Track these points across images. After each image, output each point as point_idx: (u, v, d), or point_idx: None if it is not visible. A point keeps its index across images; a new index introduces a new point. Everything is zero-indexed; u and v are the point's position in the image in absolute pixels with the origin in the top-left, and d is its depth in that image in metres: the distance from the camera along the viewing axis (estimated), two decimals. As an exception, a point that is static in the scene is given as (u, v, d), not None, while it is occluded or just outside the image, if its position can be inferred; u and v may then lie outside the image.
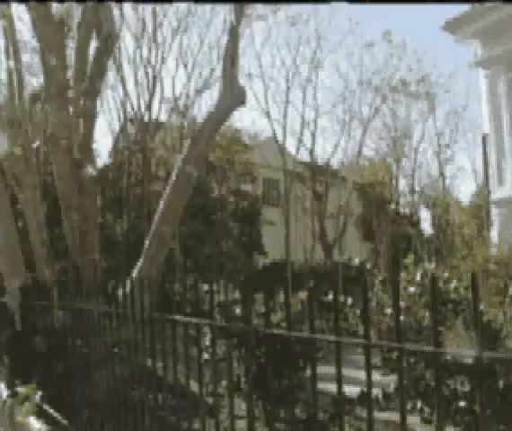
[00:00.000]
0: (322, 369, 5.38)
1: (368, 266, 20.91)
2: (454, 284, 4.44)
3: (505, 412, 4.11)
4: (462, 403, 4.16)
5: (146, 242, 8.32)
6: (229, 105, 8.59)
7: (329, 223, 28.36)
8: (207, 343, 6.63)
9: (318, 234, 27.80)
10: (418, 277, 4.50)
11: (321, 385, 5.46)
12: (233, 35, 8.85)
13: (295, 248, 25.74)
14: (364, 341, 2.70)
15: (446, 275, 4.54)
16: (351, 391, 4.62)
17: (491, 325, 4.29)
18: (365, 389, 2.98)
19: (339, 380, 2.98)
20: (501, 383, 3.97)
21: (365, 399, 4.51)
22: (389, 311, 4.61)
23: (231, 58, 8.61)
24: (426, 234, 33.01)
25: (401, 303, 4.53)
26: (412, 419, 4.47)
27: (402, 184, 32.96)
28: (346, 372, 4.91)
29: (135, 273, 8.00)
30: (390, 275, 5.09)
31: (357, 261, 24.10)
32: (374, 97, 28.40)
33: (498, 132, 12.90)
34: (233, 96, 8.45)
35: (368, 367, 2.74)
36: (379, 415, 4.62)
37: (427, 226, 34.44)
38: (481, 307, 4.40)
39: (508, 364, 3.88)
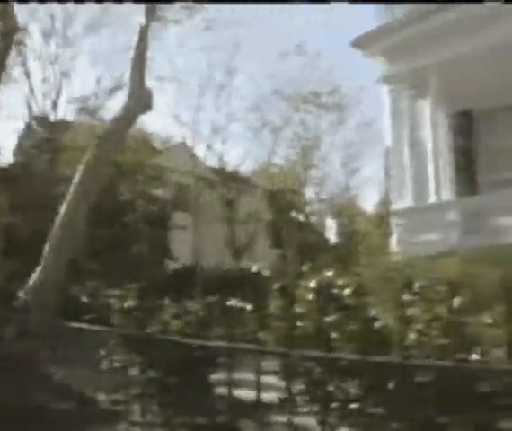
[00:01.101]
0: (228, 375, 5.41)
1: (268, 272, 21.29)
2: (348, 290, 4.64)
3: (396, 411, 4.32)
4: (355, 405, 4.34)
5: (47, 245, 8.06)
6: (136, 107, 8.50)
7: (240, 229, 28.58)
8: (109, 350, 6.51)
9: (228, 240, 27.96)
10: (313, 284, 4.67)
11: (223, 390, 5.49)
12: (143, 37, 8.77)
13: (206, 253, 25.73)
14: (256, 348, 2.77)
15: (341, 282, 4.71)
16: (251, 395, 4.71)
17: (385, 330, 4.51)
18: (262, 393, 3.05)
19: (231, 384, 3.05)
20: (391, 385, 4.19)
21: (260, 403, 4.61)
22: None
23: (140, 60, 8.53)
24: (332, 242, 33.95)
25: (298, 310, 4.70)
26: (310, 421, 4.61)
27: (311, 193, 33.76)
28: (247, 376, 4.99)
29: (34, 278, 7.72)
30: (292, 281, 5.24)
31: (255, 268, 24.35)
32: (286, 106, 28.97)
33: (400, 146, 13.57)
34: (140, 98, 8.38)
35: (259, 372, 2.81)
36: (277, 418, 4.72)
37: (333, 234, 35.44)
38: (374, 313, 4.61)
39: (397, 366, 4.10)
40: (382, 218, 23.01)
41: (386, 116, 14.18)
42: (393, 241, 13.23)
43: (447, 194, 13.39)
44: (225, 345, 4.62)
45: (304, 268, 5.19)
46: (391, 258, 12.00)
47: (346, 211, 32.27)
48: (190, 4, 20.38)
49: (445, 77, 12.82)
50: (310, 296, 4.53)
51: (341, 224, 33.00)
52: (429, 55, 12.78)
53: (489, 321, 4.54)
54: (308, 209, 33.39)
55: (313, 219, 34.07)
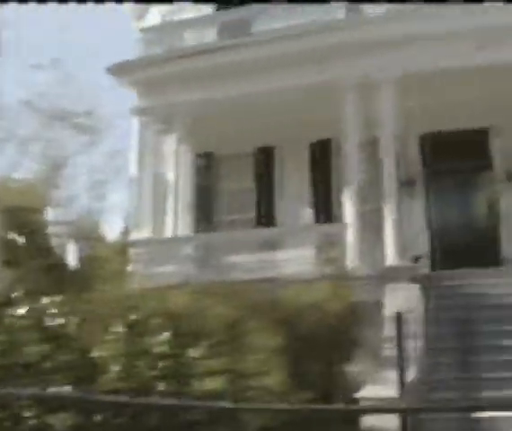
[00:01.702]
0: None
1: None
2: (63, 319, 4.54)
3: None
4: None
5: None
6: None
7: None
8: None
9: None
10: (23, 312, 4.46)
11: None
12: None
13: None
14: None
15: (57, 310, 4.60)
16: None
17: (96, 362, 4.49)
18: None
19: None
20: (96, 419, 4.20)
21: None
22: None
23: None
24: (71, 267, 32.68)
25: (2, 338, 4.41)
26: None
27: (54, 213, 32.18)
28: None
29: None
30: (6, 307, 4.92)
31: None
32: (36, 120, 27.46)
33: (143, 177, 13.90)
34: None
35: None
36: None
37: (73, 259, 34.13)
38: (87, 344, 4.58)
39: (99, 402, 4.09)
40: (123, 246, 22.93)
41: (132, 146, 14.44)
42: (131, 270, 13.33)
43: (186, 229, 13.97)
44: None
45: (21, 293, 4.94)
46: (124, 287, 12.08)
47: (88, 236, 31.48)
48: None
49: (191, 119, 13.50)
50: (19, 324, 4.31)
51: (82, 249, 32.08)
52: (179, 95, 13.33)
53: (198, 353, 4.82)
54: (49, 230, 31.83)
55: (54, 241, 32.51)
